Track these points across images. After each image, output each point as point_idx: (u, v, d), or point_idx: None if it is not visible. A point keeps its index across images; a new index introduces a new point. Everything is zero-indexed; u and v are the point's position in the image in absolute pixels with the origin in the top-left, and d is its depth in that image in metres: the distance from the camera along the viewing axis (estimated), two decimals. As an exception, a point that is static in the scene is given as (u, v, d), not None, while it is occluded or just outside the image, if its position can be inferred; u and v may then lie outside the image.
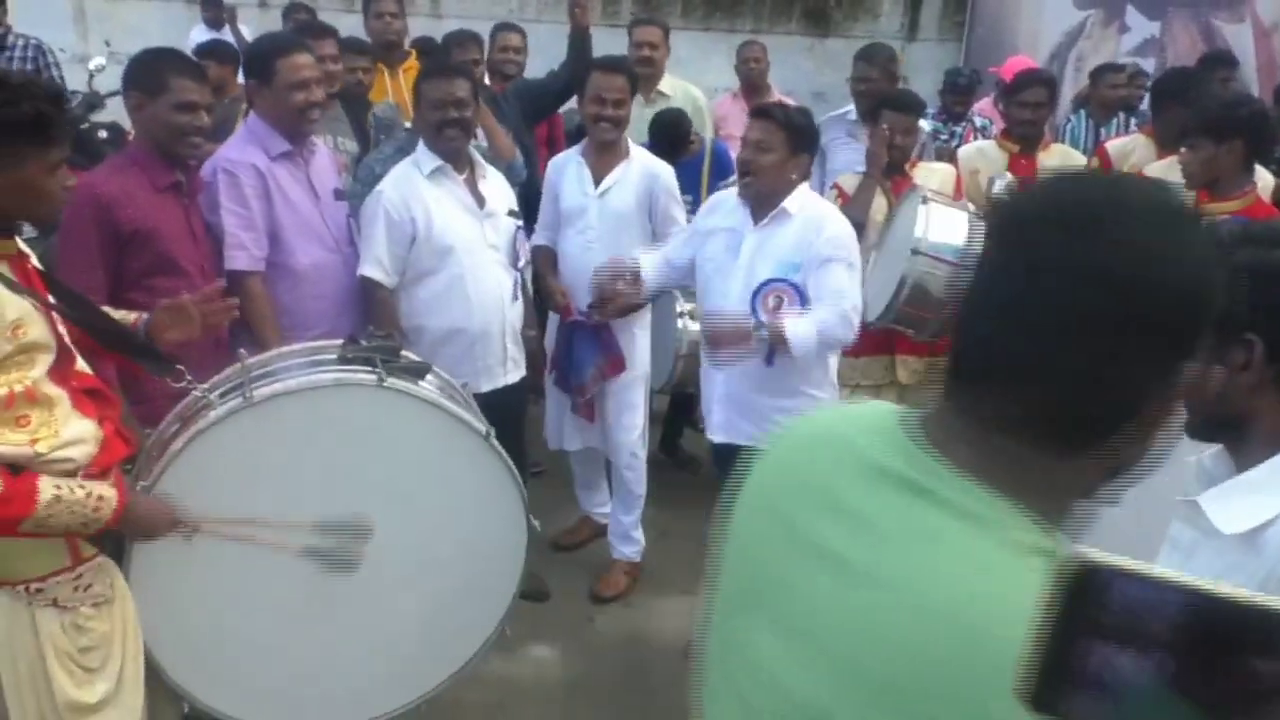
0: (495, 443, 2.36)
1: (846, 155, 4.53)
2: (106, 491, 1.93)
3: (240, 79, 3.75)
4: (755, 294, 2.80)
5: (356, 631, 2.36)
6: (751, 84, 5.53)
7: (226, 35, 7.71)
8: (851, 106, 4.66)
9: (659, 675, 3.34)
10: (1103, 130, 5.31)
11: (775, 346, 2.80)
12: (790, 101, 5.63)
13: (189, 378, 2.19)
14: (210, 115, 2.77)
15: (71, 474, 1.92)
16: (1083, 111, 5.48)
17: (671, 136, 4.21)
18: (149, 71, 2.68)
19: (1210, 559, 1.27)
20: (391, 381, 2.21)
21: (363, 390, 2.20)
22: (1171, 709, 0.56)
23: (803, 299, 2.79)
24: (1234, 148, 2.88)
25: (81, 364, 2.03)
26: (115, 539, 2.07)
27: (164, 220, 2.66)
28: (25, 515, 1.82)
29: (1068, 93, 7.80)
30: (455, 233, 3.12)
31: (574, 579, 3.81)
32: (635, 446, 3.69)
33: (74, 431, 1.93)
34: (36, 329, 1.87)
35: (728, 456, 2.98)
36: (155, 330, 2.21)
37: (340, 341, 2.33)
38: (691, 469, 4.62)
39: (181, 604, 2.18)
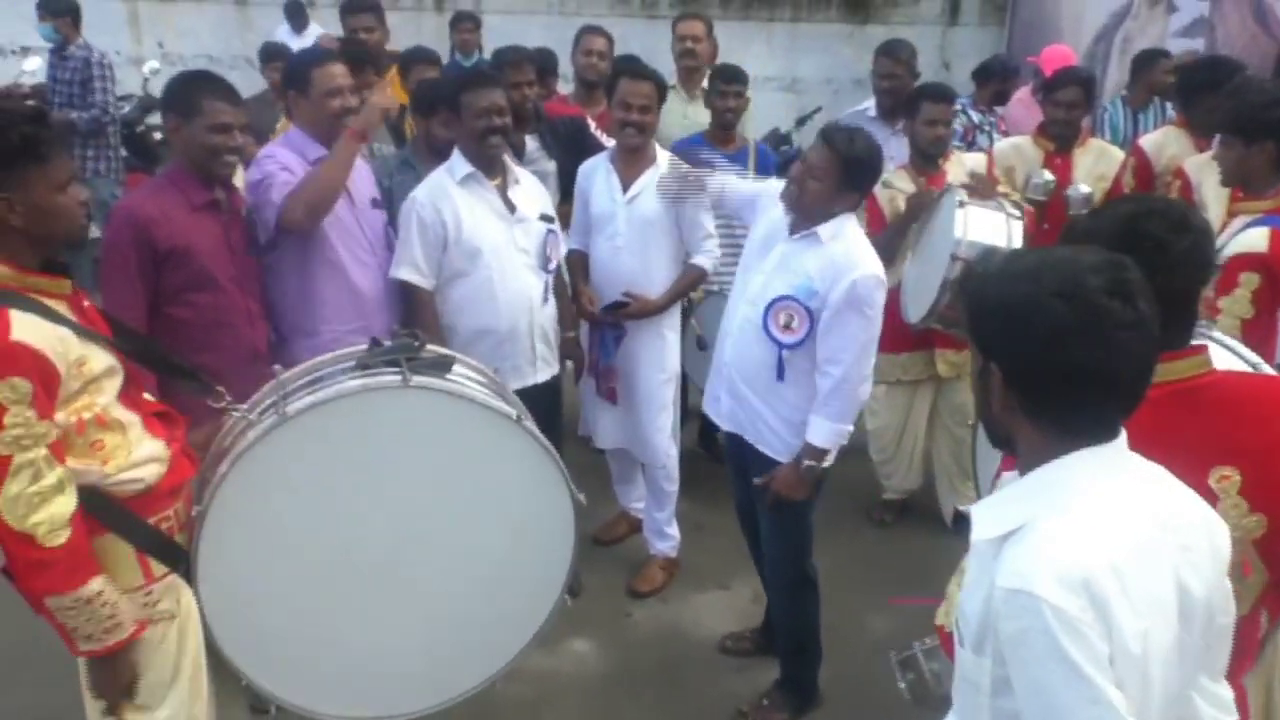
0: (528, 424, 2.40)
1: None
2: (128, 622, 1.99)
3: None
4: (768, 308, 2.81)
5: (416, 622, 2.43)
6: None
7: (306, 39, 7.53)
8: (871, 102, 4.58)
9: (695, 669, 3.43)
10: (1140, 116, 5.22)
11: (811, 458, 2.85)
12: None
13: (228, 398, 2.28)
14: (245, 135, 2.87)
15: (141, 494, 2.03)
16: (1119, 99, 5.39)
17: None
18: (183, 95, 2.80)
19: (980, 562, 1.33)
20: (417, 380, 2.26)
21: (388, 392, 2.25)
22: None
23: (812, 324, 2.78)
24: (1264, 148, 2.84)
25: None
26: (186, 557, 2.16)
27: (200, 237, 2.77)
28: (62, 590, 1.87)
29: (1114, 75, 7.63)
30: (484, 236, 3.22)
31: (612, 573, 3.90)
32: (667, 445, 3.76)
33: (145, 452, 2.05)
34: (98, 362, 1.97)
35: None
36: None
37: (365, 346, 2.38)
38: (728, 463, 4.66)
39: (245, 593, 2.25)
